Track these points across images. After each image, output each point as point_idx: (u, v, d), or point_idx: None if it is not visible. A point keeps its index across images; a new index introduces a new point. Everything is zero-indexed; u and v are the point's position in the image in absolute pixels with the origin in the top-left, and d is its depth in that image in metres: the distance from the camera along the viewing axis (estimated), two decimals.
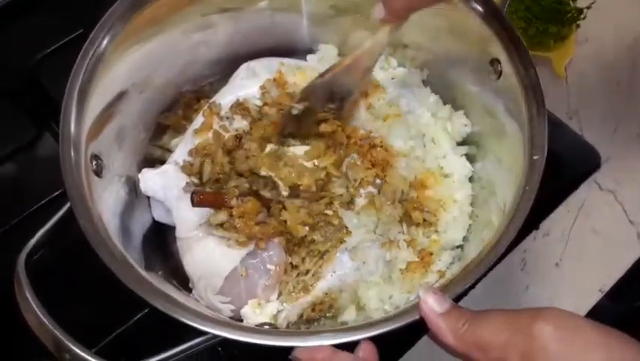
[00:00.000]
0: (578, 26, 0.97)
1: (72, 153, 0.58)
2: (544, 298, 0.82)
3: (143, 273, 0.56)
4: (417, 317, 0.52)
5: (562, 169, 0.89)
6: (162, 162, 0.78)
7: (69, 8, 0.95)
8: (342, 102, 0.72)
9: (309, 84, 0.71)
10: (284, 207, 0.66)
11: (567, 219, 0.87)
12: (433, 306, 0.51)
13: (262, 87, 0.76)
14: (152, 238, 0.74)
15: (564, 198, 0.88)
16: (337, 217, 0.67)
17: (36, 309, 0.51)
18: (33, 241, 0.55)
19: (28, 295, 0.51)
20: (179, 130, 0.81)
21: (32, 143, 0.88)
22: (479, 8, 0.68)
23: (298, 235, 0.66)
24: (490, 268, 0.55)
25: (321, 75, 0.70)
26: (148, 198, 0.74)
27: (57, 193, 0.80)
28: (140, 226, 0.73)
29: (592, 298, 0.82)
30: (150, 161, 0.79)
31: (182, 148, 0.74)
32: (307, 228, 0.66)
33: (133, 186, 0.72)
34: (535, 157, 0.60)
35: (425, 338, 0.73)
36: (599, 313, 0.82)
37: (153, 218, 0.75)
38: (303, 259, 0.66)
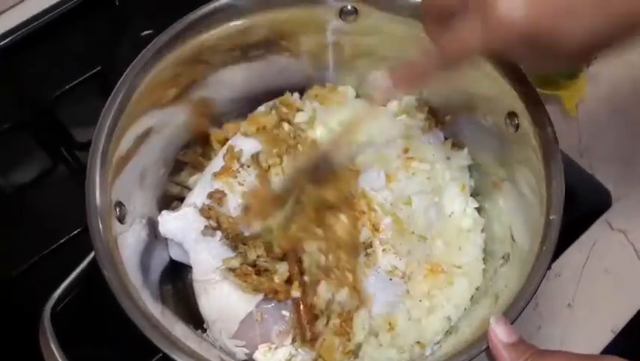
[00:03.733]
0: (588, 64, 0.98)
1: (97, 205, 0.59)
2: (556, 339, 0.81)
3: (164, 323, 0.57)
4: (484, 347, 0.54)
5: (573, 208, 0.89)
6: (180, 198, 0.79)
7: (87, 46, 0.98)
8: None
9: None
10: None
11: (579, 259, 0.87)
12: (502, 336, 0.53)
13: None
14: (168, 274, 0.75)
15: (575, 238, 0.88)
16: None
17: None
18: (58, 293, 0.56)
19: (53, 347, 0.52)
20: (197, 167, 0.82)
21: (48, 174, 0.91)
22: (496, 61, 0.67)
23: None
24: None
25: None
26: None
27: (78, 231, 0.82)
28: (158, 262, 0.73)
29: (604, 338, 0.82)
30: (169, 197, 0.80)
31: (200, 189, 0.74)
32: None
33: (152, 227, 0.72)
34: (552, 217, 0.60)
35: None
36: (607, 350, 0.82)
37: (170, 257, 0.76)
38: None
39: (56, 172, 0.91)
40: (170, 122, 0.76)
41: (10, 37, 0.96)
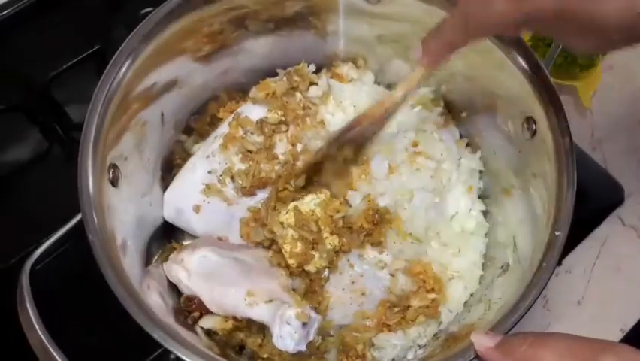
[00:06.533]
0: (604, 54, 0.95)
1: (90, 165, 0.56)
2: None
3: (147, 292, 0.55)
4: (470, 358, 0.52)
5: (585, 203, 0.86)
6: (180, 166, 0.76)
7: (84, 26, 0.93)
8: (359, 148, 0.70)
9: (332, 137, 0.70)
10: None
11: (590, 255, 0.83)
12: (485, 342, 0.51)
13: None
14: (159, 237, 0.73)
15: (587, 234, 0.84)
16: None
17: (34, 320, 0.49)
18: (39, 251, 0.53)
19: (28, 305, 0.49)
20: (203, 135, 0.79)
21: (44, 156, 0.87)
22: (520, 61, 0.64)
23: None
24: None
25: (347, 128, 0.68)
26: (161, 197, 0.73)
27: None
28: (150, 223, 0.71)
29: (613, 337, 0.77)
30: (169, 162, 0.77)
31: (200, 158, 0.73)
32: None
33: (148, 190, 0.70)
34: (557, 233, 0.57)
35: None
36: None
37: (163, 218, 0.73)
38: None
39: (52, 153, 0.87)
40: (191, 80, 0.73)
41: (3, 13, 0.91)
